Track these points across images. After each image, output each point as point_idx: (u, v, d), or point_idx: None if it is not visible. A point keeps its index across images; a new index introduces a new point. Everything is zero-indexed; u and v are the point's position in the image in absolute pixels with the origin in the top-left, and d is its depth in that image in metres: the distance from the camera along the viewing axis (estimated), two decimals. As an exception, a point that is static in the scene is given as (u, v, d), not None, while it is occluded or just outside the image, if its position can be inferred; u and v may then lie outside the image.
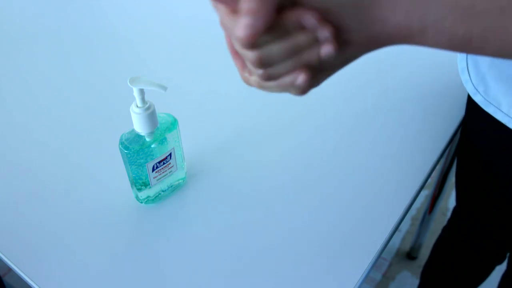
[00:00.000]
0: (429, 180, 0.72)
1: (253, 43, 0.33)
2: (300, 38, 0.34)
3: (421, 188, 0.68)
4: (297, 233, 0.61)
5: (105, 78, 0.83)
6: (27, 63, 0.86)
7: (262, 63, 0.35)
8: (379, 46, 0.35)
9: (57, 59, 0.88)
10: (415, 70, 0.86)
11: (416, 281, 1.38)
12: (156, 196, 0.64)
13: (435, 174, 1.13)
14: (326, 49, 0.33)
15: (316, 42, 0.34)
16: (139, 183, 0.61)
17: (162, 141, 0.58)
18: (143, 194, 0.62)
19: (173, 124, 0.59)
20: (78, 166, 0.69)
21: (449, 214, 1.02)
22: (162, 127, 0.58)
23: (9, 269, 0.58)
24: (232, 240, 0.61)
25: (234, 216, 0.63)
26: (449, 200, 1.57)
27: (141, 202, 0.64)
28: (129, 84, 0.52)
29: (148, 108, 0.55)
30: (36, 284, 0.56)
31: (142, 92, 0.54)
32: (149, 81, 0.53)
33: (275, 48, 0.34)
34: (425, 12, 0.32)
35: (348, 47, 0.35)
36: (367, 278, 0.61)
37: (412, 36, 0.33)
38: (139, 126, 0.56)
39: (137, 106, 0.55)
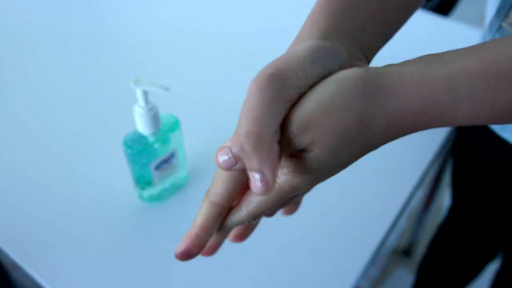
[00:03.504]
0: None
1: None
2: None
3: (418, 186, 0.69)
4: (296, 231, 0.63)
5: (107, 80, 0.84)
6: (28, 65, 0.87)
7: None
8: (404, 130, 0.32)
9: (58, 61, 0.88)
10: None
11: (412, 278, 1.40)
12: (159, 195, 0.65)
13: (431, 172, 1.15)
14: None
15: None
16: (142, 182, 0.62)
17: (164, 141, 0.59)
18: (146, 193, 0.63)
19: (175, 124, 0.60)
20: (83, 167, 0.70)
21: (444, 212, 1.03)
22: (164, 127, 0.59)
23: (16, 266, 0.60)
24: (233, 237, 0.62)
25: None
26: (444, 197, 1.59)
27: (144, 201, 0.65)
28: (132, 85, 0.53)
29: (151, 108, 0.56)
30: (44, 280, 0.57)
31: (145, 92, 0.54)
32: (151, 82, 0.54)
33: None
34: (457, 88, 0.29)
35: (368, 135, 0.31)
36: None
37: (445, 110, 0.29)
38: (142, 126, 0.57)
39: (140, 107, 0.56)
